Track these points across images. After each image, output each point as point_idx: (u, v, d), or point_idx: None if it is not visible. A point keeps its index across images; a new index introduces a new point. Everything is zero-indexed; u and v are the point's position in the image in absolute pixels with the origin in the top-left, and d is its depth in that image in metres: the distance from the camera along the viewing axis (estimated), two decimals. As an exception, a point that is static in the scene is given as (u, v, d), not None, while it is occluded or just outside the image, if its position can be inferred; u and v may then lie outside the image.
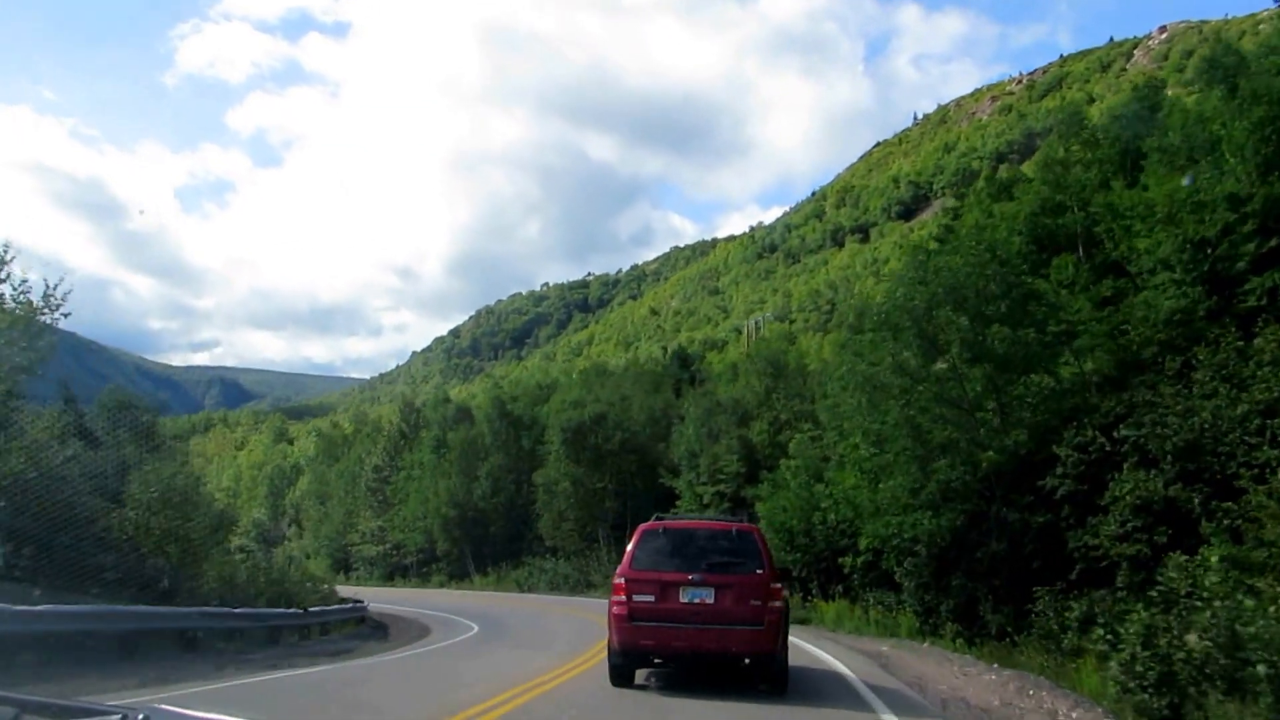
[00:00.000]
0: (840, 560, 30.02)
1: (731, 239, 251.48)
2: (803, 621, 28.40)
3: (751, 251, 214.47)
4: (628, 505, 48.97)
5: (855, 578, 29.77)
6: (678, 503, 44.75)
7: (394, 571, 62.97)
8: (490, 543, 54.34)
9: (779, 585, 12.21)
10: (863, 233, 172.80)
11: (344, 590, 44.05)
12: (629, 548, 12.18)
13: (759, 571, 11.75)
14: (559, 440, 49.93)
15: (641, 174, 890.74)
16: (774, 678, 11.92)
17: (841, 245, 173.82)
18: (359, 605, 31.15)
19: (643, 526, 12.44)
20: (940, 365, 22.69)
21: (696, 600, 11.50)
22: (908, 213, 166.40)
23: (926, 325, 22.51)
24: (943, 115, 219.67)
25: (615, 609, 11.74)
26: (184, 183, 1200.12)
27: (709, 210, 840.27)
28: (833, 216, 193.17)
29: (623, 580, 11.79)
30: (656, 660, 12.11)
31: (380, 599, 44.33)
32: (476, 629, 25.79)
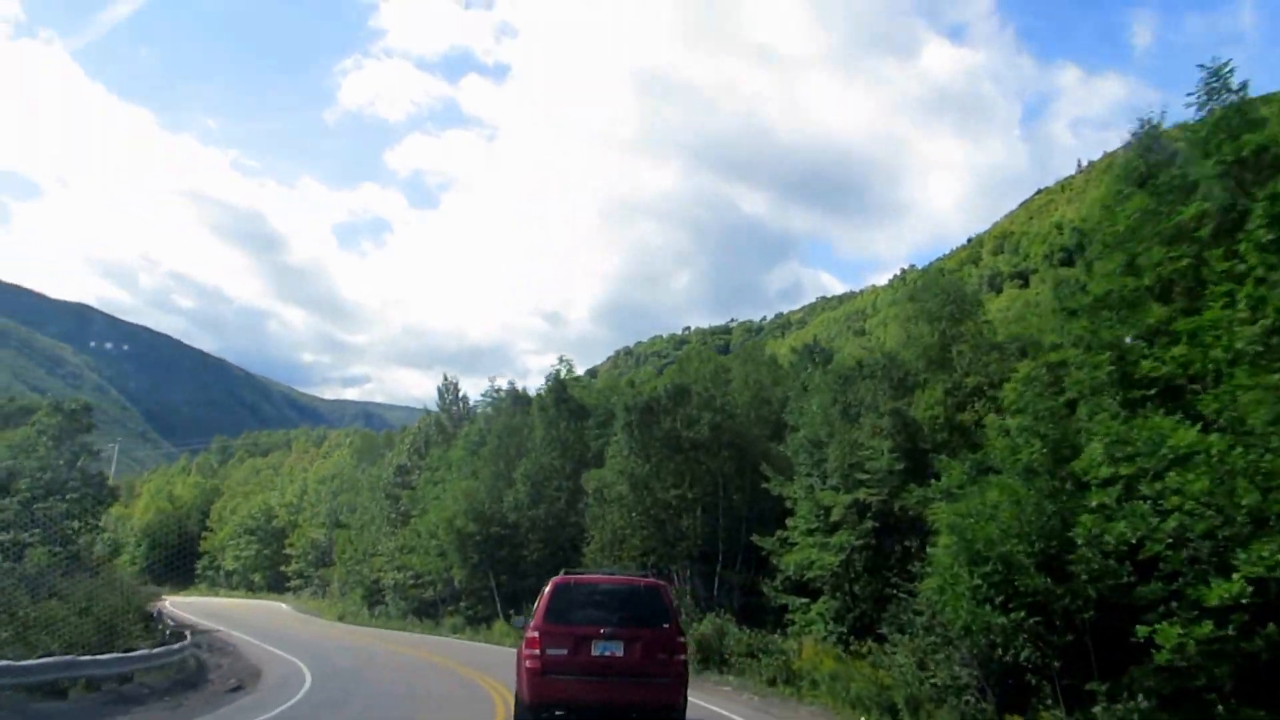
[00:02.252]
0: (1142, 632, 12.70)
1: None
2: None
3: (902, 294, 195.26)
4: (718, 524, 32.07)
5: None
6: (790, 521, 27.74)
7: (419, 609, 47.21)
8: (524, 574, 38.02)
9: (683, 640, 12.52)
10: (1023, 279, 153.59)
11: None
12: (541, 601, 12.45)
13: (666, 626, 12.18)
14: (620, 424, 33.51)
15: (792, 230, 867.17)
16: None
17: (999, 291, 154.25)
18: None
19: (554, 581, 12.75)
20: None
21: (607, 653, 11.87)
22: (1072, 260, 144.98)
23: None
24: (1109, 162, 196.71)
25: (528, 663, 11.91)
26: (342, 220, 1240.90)
27: (859, 270, 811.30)
28: (990, 263, 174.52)
29: (536, 634, 11.94)
30: (559, 713, 11.98)
31: (310, 648, 29.42)
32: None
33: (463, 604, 41.79)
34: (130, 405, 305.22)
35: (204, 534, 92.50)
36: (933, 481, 21.30)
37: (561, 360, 44.14)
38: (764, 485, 29.44)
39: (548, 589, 12.65)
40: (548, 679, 11.76)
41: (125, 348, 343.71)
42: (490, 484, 39.60)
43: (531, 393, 47.21)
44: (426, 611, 46.65)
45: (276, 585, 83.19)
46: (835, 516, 25.85)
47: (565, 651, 11.80)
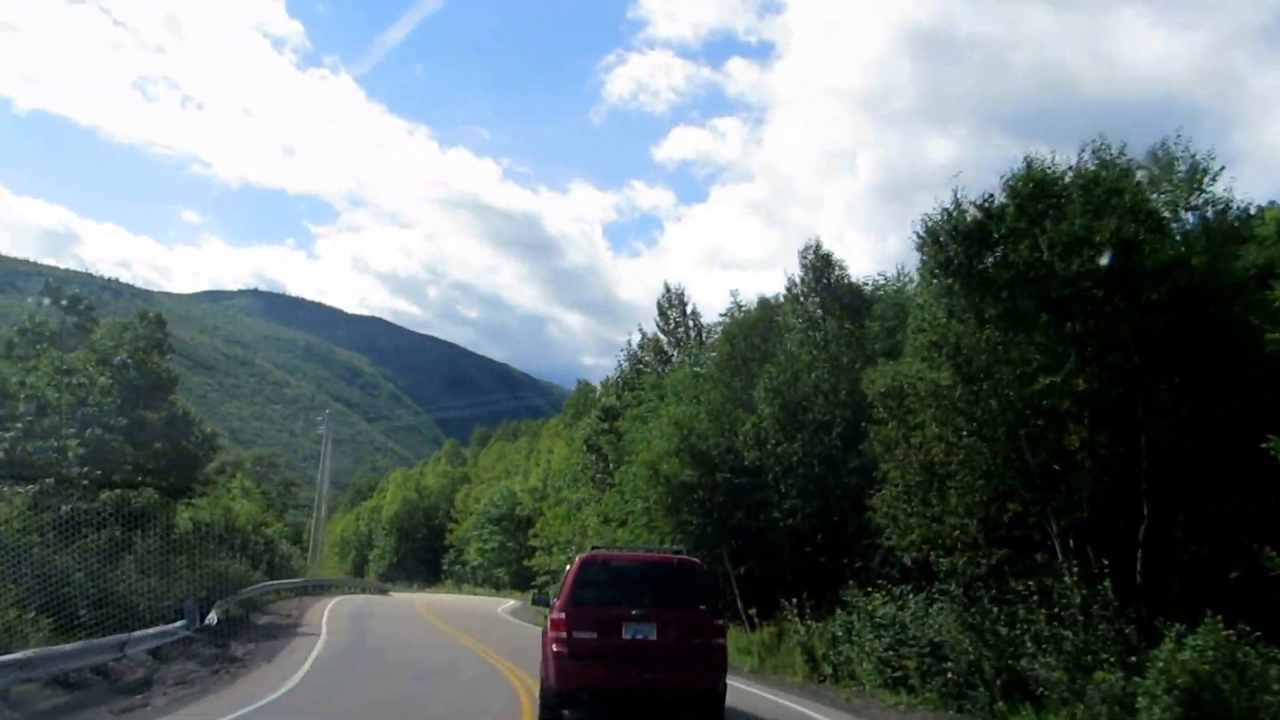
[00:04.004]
0: None
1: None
2: None
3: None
4: (1139, 446, 16.16)
5: None
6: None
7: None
8: (774, 548, 23.34)
9: (721, 621, 11.78)
10: None
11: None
12: (566, 581, 11.77)
13: (702, 607, 11.41)
14: (927, 269, 18.36)
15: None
16: (713, 715, 11.39)
17: None
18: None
19: (581, 558, 12.04)
20: None
21: (639, 636, 11.10)
22: None
23: None
24: None
25: (555, 647, 11.16)
26: (612, 219, 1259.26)
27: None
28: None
29: (562, 615, 11.22)
30: (583, 697, 11.20)
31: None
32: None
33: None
34: (423, 411, 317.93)
35: (450, 526, 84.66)
36: None
37: (832, 263, 28.94)
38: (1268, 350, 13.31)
39: (573, 566, 11.91)
40: (576, 664, 10.89)
41: (416, 357, 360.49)
42: (718, 410, 25.39)
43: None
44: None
45: (523, 581, 73.16)
46: None
47: (594, 634, 11.04)
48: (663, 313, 37.98)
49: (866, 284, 29.36)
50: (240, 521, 41.00)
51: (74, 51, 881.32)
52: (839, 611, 19.11)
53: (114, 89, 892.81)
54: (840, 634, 18.38)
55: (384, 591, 66.83)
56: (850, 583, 18.98)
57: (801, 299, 27.97)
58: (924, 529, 17.33)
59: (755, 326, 28.13)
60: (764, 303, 32.02)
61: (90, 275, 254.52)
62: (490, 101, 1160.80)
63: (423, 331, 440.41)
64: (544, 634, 12.07)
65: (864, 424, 23.23)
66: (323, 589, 48.45)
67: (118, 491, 21.82)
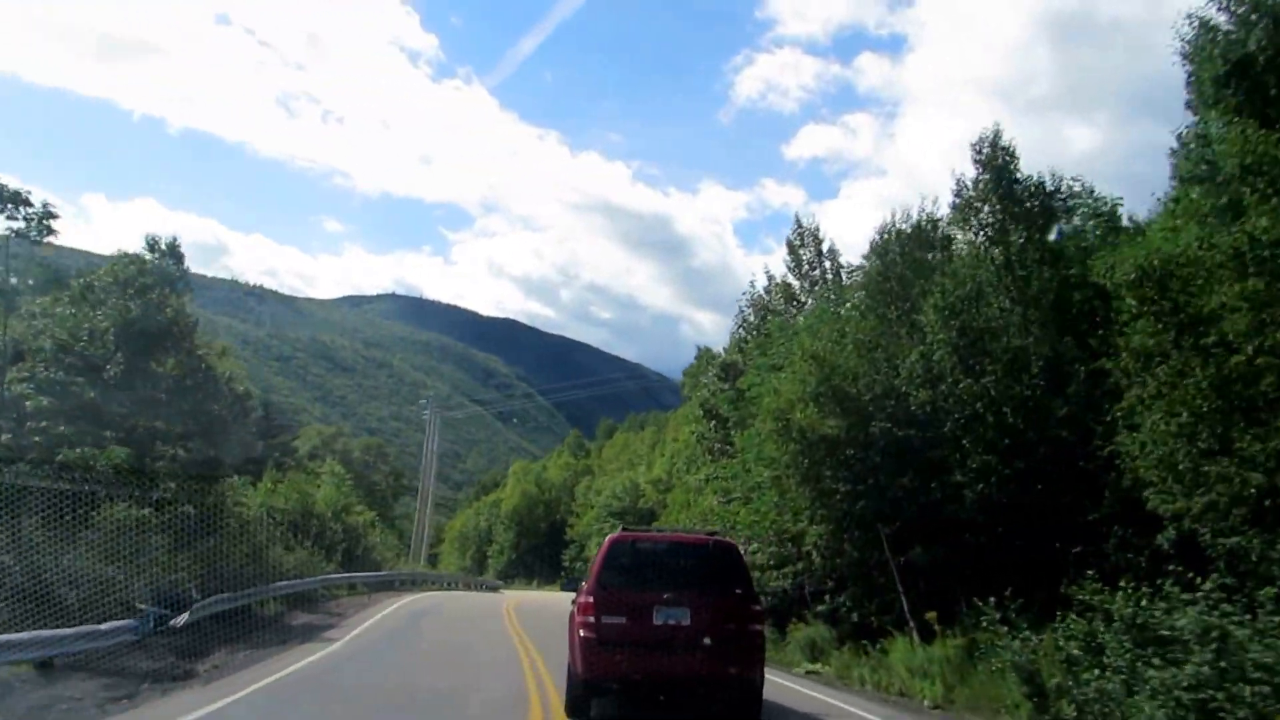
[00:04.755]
0: None
1: None
2: None
3: None
4: None
5: None
6: None
7: (788, 608, 26.32)
8: (953, 527, 16.69)
9: (758, 607, 11.01)
10: None
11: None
12: (595, 563, 11.06)
13: (738, 591, 10.71)
14: (1196, 83, 11.52)
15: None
16: (749, 706, 10.64)
17: None
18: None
19: (610, 539, 11.41)
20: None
21: (671, 622, 10.37)
22: None
23: None
24: None
25: (582, 633, 10.45)
26: (743, 218, 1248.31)
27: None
28: None
29: (590, 600, 10.48)
30: (611, 685, 10.51)
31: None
32: None
33: (839, 600, 20.78)
34: (556, 411, 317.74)
35: (570, 520, 79.78)
36: None
37: (1015, 157, 21.98)
38: None
39: (602, 548, 11.21)
40: (604, 650, 10.19)
41: (550, 359, 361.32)
42: (869, 343, 18.87)
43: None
44: (792, 614, 25.97)
45: (647, 579, 67.44)
46: None
47: (623, 620, 10.31)
48: (793, 251, 31.21)
49: (1058, 188, 22.29)
50: (319, 507, 36.72)
51: (221, 71, 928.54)
52: (1068, 617, 12.38)
53: (259, 105, 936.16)
54: (1078, 653, 11.70)
55: (494, 589, 62.23)
56: (1089, 573, 12.22)
57: (976, 204, 21.18)
58: (1232, 485, 10.54)
59: (915, 238, 21.51)
60: (921, 225, 25.11)
61: (238, 283, 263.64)
62: (619, 106, 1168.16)
63: (556, 333, 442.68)
64: (571, 619, 11.32)
65: (1073, 364, 16.49)
66: (413, 583, 43.72)
67: (78, 451, 16.79)
